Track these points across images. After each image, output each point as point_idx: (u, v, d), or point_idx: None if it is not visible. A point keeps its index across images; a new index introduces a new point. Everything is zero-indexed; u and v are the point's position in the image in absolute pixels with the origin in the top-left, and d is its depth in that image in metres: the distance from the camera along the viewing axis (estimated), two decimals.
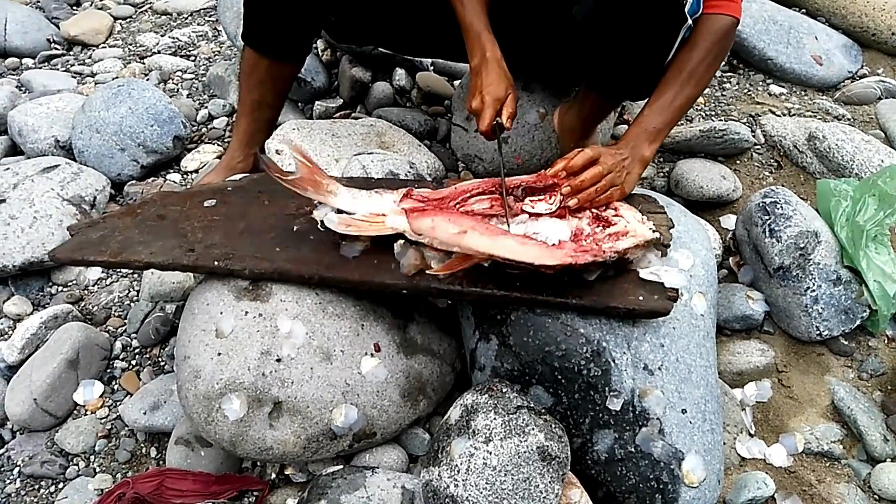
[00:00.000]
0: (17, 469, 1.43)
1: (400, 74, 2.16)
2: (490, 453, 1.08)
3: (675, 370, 1.23)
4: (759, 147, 1.97)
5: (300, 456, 1.24)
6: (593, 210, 1.28)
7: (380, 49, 2.08)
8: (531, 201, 1.29)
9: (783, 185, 1.84)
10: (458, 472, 1.08)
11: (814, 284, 1.51)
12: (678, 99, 1.32)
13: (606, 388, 1.19)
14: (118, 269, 1.78)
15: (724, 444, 1.41)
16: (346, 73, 2.14)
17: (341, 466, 1.28)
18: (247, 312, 1.24)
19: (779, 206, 1.56)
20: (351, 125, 1.83)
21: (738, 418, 1.46)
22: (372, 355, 1.27)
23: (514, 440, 1.09)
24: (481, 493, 1.06)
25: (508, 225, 1.24)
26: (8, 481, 1.42)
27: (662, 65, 1.35)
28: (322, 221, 1.25)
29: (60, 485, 1.40)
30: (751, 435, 1.46)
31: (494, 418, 1.12)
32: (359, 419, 1.24)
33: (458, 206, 1.29)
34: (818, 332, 1.52)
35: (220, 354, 1.22)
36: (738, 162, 1.93)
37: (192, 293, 1.33)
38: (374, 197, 1.30)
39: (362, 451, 1.31)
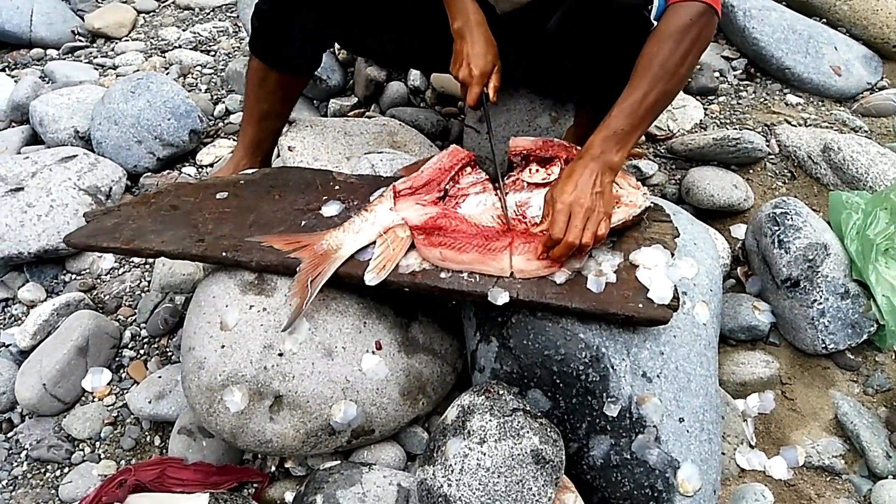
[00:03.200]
0: (24, 452, 1.47)
1: (415, 74, 2.17)
2: (484, 454, 1.09)
3: (674, 378, 1.22)
4: (773, 157, 1.95)
5: (299, 450, 1.26)
6: None
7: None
8: (530, 172, 1.38)
9: (796, 196, 1.82)
10: (452, 471, 1.09)
11: (821, 297, 1.50)
12: (649, 97, 1.23)
13: (604, 394, 1.19)
14: (130, 259, 1.81)
15: (724, 454, 1.40)
16: (361, 72, 2.16)
17: (339, 462, 1.29)
18: (251, 306, 1.26)
19: (789, 216, 1.55)
20: (364, 124, 1.85)
21: (739, 429, 1.45)
22: (373, 353, 1.28)
23: (508, 442, 1.10)
24: (474, 493, 1.06)
25: (504, 208, 1.30)
26: (15, 464, 1.45)
27: None
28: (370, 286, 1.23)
29: (66, 469, 1.44)
30: (751, 446, 1.45)
31: (490, 420, 1.13)
32: (358, 416, 1.25)
33: (451, 193, 1.36)
34: (824, 346, 1.51)
35: (223, 347, 1.23)
36: (751, 171, 1.92)
37: (199, 285, 1.36)
38: (367, 216, 1.31)
39: (361, 447, 1.32)
